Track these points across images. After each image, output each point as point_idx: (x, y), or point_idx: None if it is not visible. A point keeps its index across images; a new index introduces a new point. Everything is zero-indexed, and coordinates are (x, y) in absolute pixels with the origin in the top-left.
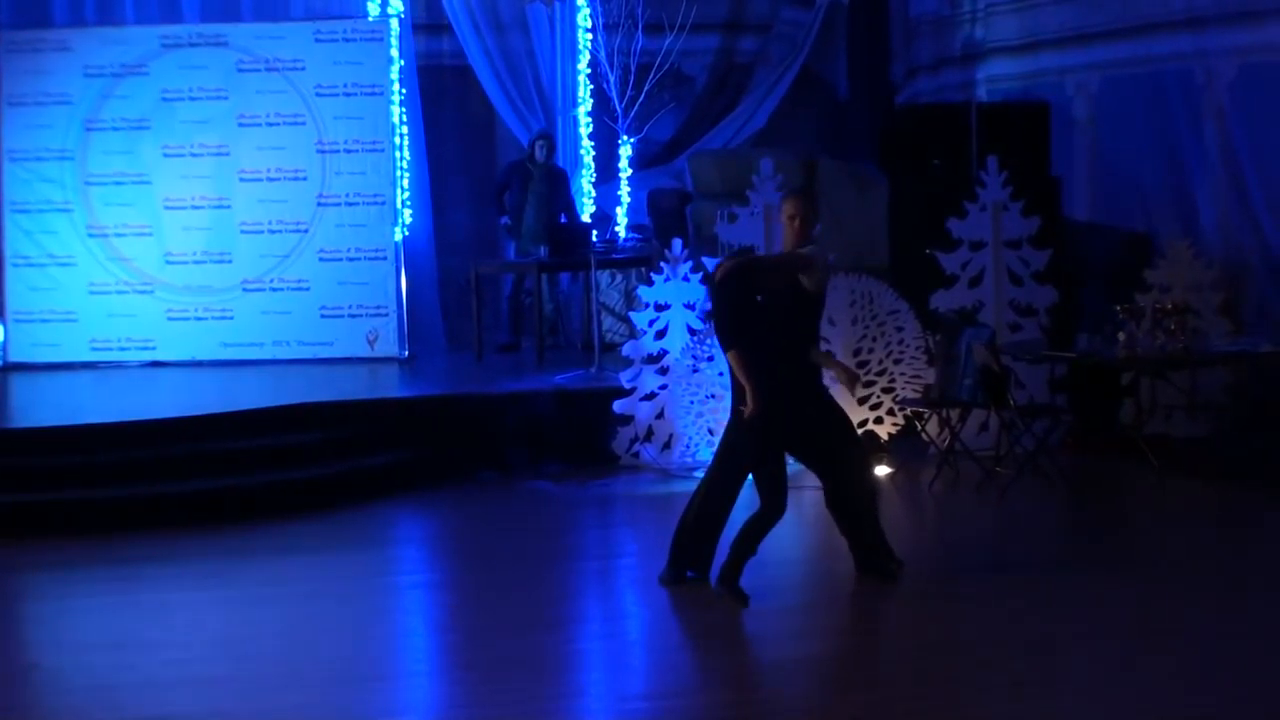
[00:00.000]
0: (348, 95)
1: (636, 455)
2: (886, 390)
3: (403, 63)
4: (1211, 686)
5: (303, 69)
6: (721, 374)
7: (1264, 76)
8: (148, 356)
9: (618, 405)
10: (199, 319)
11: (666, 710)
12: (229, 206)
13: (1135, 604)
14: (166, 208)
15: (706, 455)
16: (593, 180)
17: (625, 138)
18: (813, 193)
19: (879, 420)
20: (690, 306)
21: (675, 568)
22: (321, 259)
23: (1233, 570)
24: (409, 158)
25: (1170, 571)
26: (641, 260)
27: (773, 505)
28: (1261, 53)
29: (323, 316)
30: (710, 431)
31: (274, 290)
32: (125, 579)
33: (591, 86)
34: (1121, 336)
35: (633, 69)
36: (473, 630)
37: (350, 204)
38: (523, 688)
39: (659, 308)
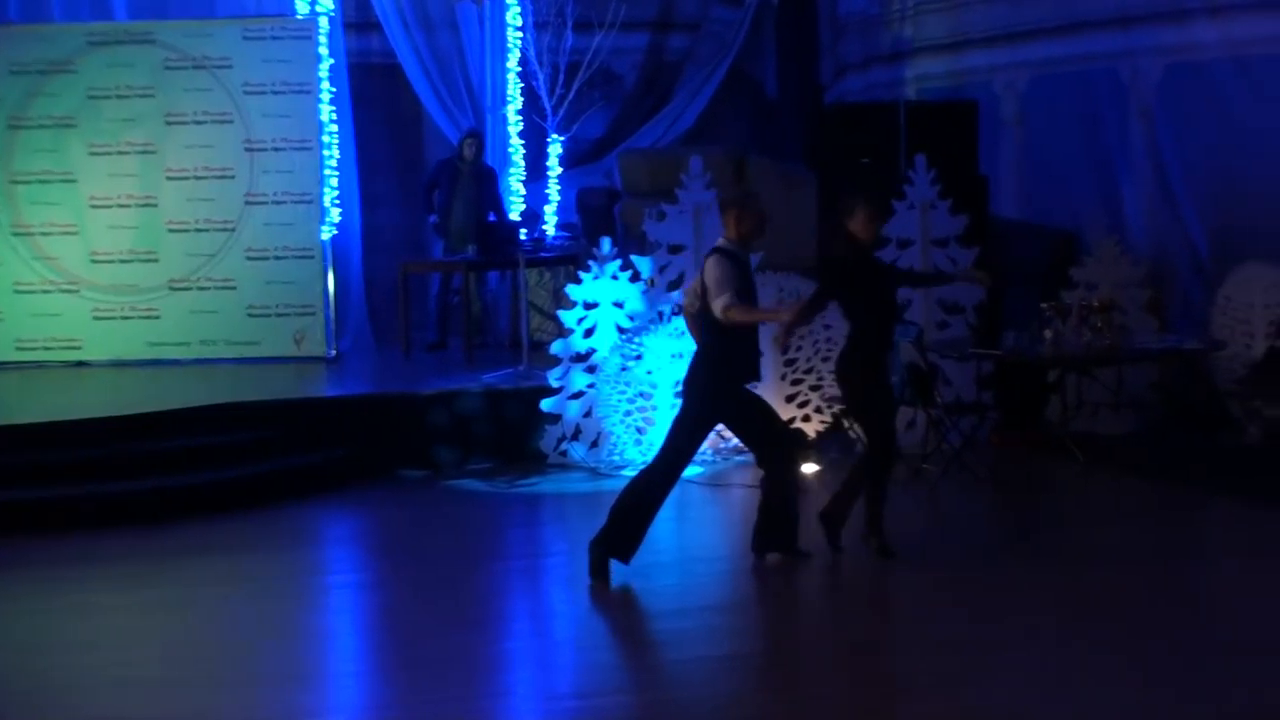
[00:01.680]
0: (276, 93)
1: (564, 454)
2: (814, 388)
3: (332, 61)
4: (1140, 679)
5: (230, 67)
6: (650, 372)
7: (1190, 76)
8: (73, 356)
9: (546, 404)
10: (125, 318)
11: (594, 709)
12: (156, 205)
13: (1063, 599)
14: (92, 206)
15: (634, 454)
16: (521, 179)
17: (554, 136)
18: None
19: (807, 418)
20: (619, 305)
21: (607, 556)
22: (249, 258)
23: (1159, 565)
24: (337, 156)
25: (1097, 567)
26: (570, 259)
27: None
28: (1188, 52)
29: (250, 316)
30: (639, 430)
31: (201, 289)
32: (51, 580)
33: (521, 85)
34: (1048, 334)
35: (562, 67)
36: (401, 630)
37: (278, 203)
38: (451, 687)
39: (587, 306)
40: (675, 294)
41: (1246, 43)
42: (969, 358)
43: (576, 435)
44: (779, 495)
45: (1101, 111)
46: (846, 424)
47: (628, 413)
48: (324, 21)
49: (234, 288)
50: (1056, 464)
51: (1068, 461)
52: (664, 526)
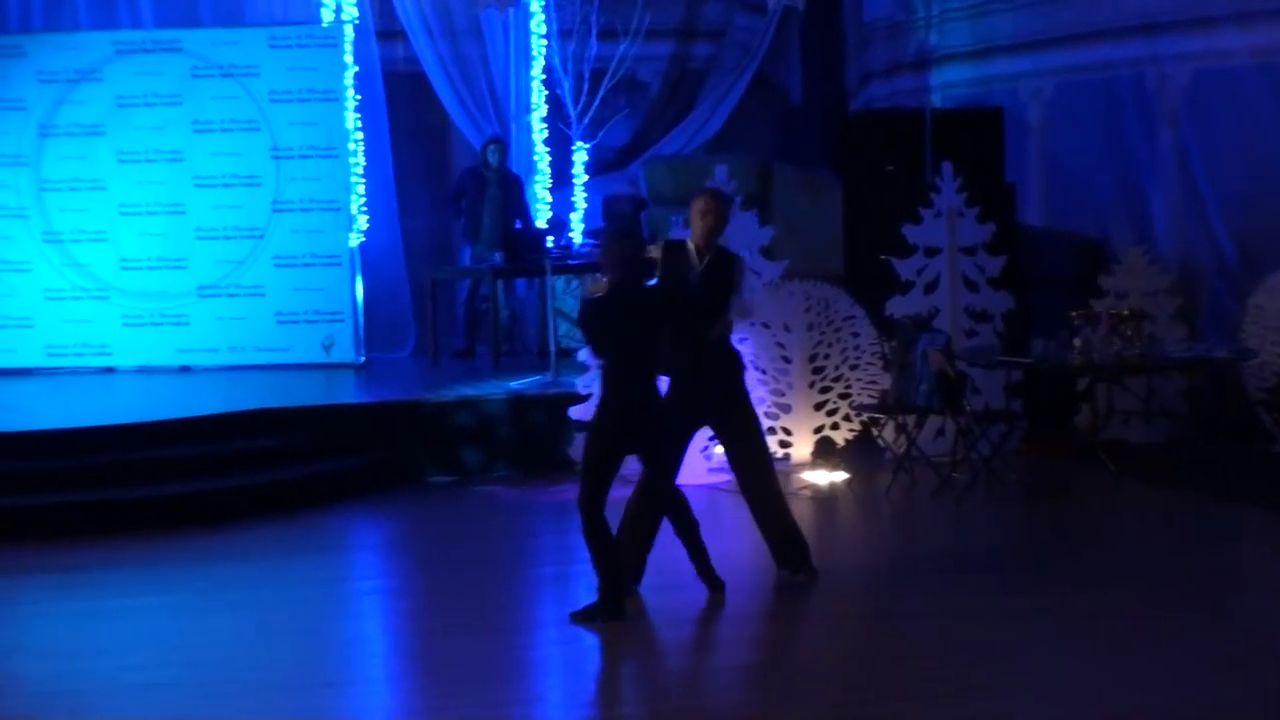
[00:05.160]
0: (302, 101)
1: None
2: (843, 396)
3: (357, 68)
4: (1164, 691)
5: (257, 75)
6: None
7: (1217, 82)
8: (103, 362)
9: (573, 411)
10: (155, 325)
11: (620, 717)
12: (184, 212)
13: (1090, 609)
14: (122, 213)
15: None
16: (548, 186)
17: (580, 144)
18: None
19: (835, 426)
20: None
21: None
22: (277, 265)
23: (1188, 575)
24: (364, 163)
25: (1126, 577)
26: (596, 266)
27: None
28: (1215, 58)
29: (278, 322)
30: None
31: (230, 296)
32: (81, 585)
33: (546, 92)
34: (1077, 342)
35: (587, 75)
36: (429, 636)
37: (305, 210)
38: (478, 694)
39: None
40: None
41: (1274, 49)
42: (997, 366)
43: None
44: (758, 501)
45: (1128, 118)
46: (875, 432)
47: None
48: (349, 29)
49: (262, 294)
50: (1086, 473)
51: (1098, 471)
52: None
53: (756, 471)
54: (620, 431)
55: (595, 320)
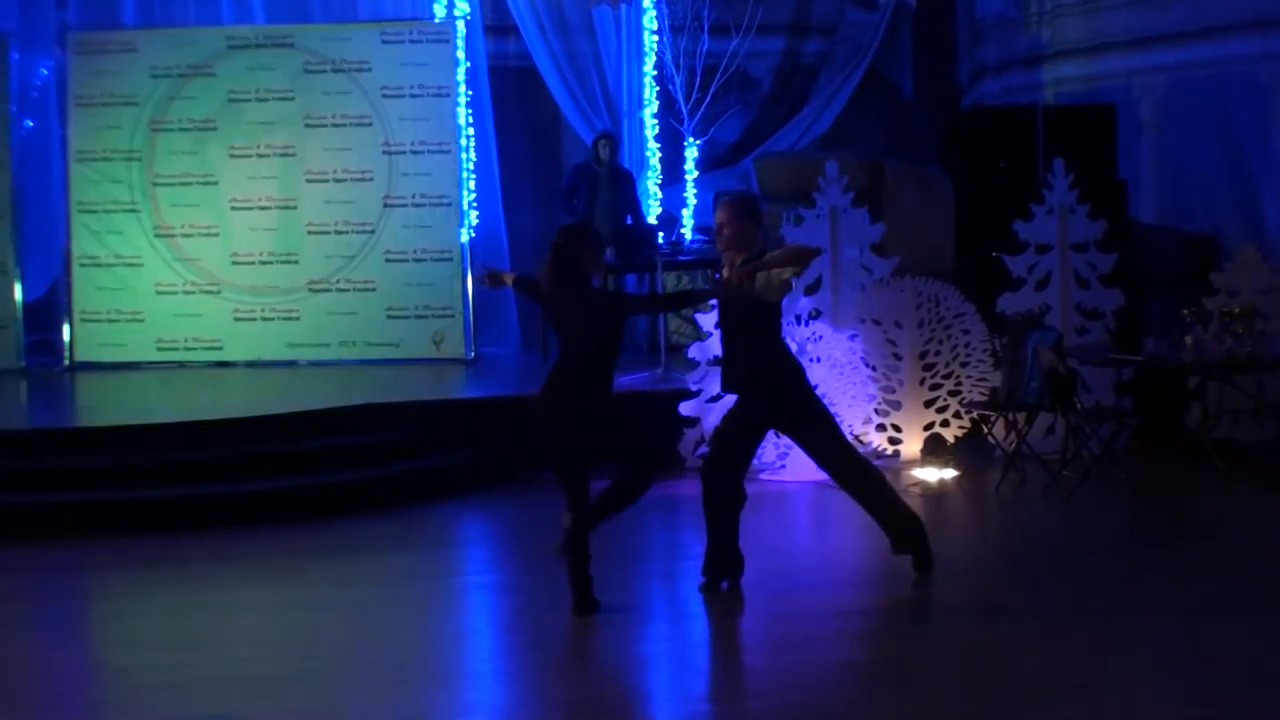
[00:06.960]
0: (414, 96)
1: (702, 458)
2: (953, 393)
3: (469, 64)
4: (1272, 694)
5: (369, 70)
6: None
7: None
8: (214, 357)
9: (684, 407)
10: (265, 319)
11: (729, 713)
12: (295, 207)
13: (1199, 610)
14: (233, 208)
15: (771, 457)
16: (658, 182)
17: (691, 140)
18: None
19: (945, 423)
20: None
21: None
22: (388, 260)
23: None
24: (475, 159)
25: (1236, 576)
26: (707, 262)
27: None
28: None
29: (389, 317)
30: (776, 434)
31: (340, 291)
32: (191, 578)
33: (657, 88)
34: (1188, 340)
35: (698, 71)
36: (538, 631)
37: (417, 205)
38: (587, 688)
39: None
40: (810, 299)
41: None
42: (1108, 363)
43: None
44: (855, 491)
45: (1241, 115)
46: (985, 429)
47: None
48: (461, 25)
49: (373, 289)
50: (1196, 471)
51: (1208, 469)
52: (801, 532)
53: (844, 466)
54: None
55: None
